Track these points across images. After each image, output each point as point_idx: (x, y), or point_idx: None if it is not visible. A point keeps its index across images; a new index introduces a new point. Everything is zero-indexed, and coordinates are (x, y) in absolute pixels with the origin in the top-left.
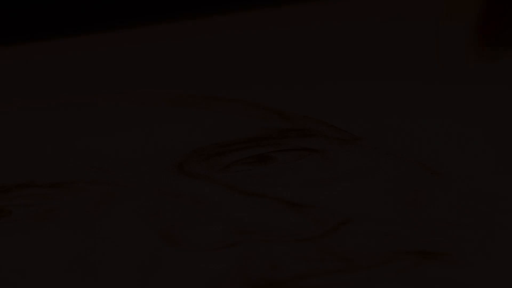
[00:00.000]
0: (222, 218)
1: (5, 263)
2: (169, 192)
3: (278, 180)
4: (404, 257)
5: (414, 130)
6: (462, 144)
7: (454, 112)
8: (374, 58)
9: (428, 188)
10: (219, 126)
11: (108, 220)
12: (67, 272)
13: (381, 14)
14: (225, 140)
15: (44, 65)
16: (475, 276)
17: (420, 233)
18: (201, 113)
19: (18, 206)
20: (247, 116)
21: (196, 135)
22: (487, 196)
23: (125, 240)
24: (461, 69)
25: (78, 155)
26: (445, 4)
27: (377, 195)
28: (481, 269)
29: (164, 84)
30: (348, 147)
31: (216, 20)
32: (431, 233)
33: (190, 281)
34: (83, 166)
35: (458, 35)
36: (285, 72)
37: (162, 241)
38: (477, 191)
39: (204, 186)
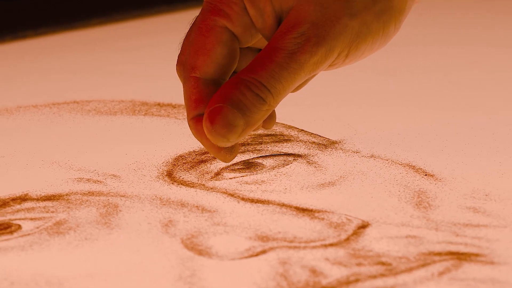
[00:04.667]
0: (237, 226)
1: (26, 276)
2: (172, 201)
3: (276, 186)
4: (440, 259)
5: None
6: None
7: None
8: None
9: (430, 190)
10: (189, 133)
11: (124, 231)
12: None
13: None
14: (202, 147)
15: None
16: None
17: (443, 235)
18: (165, 121)
19: (24, 221)
20: None
21: (170, 144)
22: (491, 196)
23: (151, 250)
24: None
25: (66, 168)
26: None
27: (381, 197)
28: None
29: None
30: (328, 151)
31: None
32: (454, 235)
33: None
34: (74, 179)
35: None
36: None
37: (190, 252)
38: (479, 192)
39: (204, 194)
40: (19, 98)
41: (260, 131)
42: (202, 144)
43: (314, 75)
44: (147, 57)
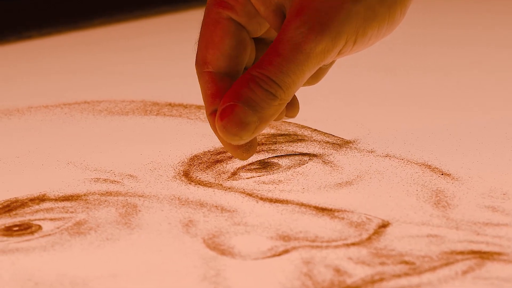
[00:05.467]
0: (257, 226)
1: (50, 277)
2: (191, 201)
3: (293, 185)
4: (463, 257)
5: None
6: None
7: None
8: None
9: (448, 190)
10: (202, 133)
11: (145, 231)
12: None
13: None
14: (216, 147)
15: None
16: None
17: (463, 234)
18: (177, 121)
19: (44, 221)
20: None
21: (185, 144)
22: (509, 195)
23: (173, 250)
24: None
25: (82, 168)
26: None
27: (400, 197)
28: None
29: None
30: (343, 151)
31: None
32: (475, 233)
33: None
34: (90, 179)
35: None
36: None
37: (213, 252)
38: (496, 191)
39: (222, 194)
40: (27, 98)
41: (273, 131)
42: (219, 140)
43: (331, 64)
44: (154, 57)
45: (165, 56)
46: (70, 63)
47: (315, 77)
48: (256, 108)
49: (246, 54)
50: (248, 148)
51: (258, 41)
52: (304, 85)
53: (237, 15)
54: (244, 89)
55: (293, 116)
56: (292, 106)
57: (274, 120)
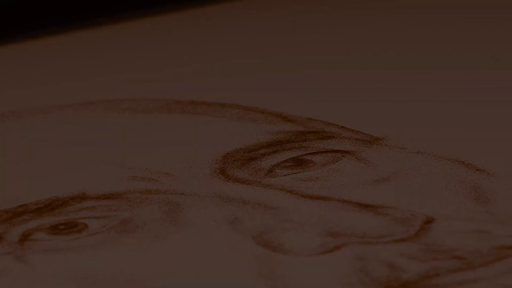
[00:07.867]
0: (304, 223)
1: (106, 276)
2: (232, 198)
3: (332, 182)
4: None
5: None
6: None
7: None
8: None
9: (485, 185)
10: (230, 131)
11: (192, 229)
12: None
13: None
14: (248, 144)
15: None
16: None
17: (510, 229)
18: (203, 119)
19: (90, 219)
20: (250, 120)
21: (214, 141)
22: None
23: (224, 248)
24: None
25: (116, 166)
26: None
27: (439, 192)
28: None
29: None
30: (374, 147)
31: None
32: None
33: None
34: (127, 177)
35: None
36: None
37: (264, 249)
38: None
39: (262, 191)
40: (47, 97)
41: (301, 128)
42: None
43: None
44: (169, 55)
45: (182, 54)
46: (83, 61)
47: None
48: None
49: None
50: None
51: None
52: None
53: None
54: None
55: None
56: None
57: None
